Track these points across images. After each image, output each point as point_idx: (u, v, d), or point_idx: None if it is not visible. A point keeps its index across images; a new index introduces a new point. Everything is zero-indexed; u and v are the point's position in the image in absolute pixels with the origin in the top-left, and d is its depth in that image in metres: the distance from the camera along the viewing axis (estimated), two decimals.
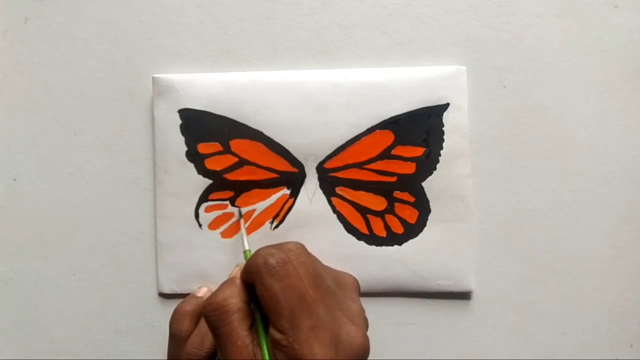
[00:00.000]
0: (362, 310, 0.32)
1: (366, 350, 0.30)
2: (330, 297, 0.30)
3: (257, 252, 0.30)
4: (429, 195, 0.39)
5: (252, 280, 0.29)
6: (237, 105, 0.40)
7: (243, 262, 0.33)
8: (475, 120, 0.40)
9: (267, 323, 0.28)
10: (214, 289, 0.39)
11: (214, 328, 0.28)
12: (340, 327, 0.29)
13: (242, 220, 0.39)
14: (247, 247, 0.35)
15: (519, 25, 0.40)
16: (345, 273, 0.34)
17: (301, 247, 0.31)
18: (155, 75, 0.40)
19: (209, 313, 0.29)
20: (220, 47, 0.41)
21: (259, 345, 0.28)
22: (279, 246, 0.31)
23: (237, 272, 0.32)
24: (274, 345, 0.27)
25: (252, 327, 0.29)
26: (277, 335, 0.27)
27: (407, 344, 0.40)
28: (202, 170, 0.40)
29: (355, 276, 0.38)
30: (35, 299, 0.41)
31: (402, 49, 0.41)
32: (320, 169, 0.40)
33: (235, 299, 0.29)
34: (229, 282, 0.31)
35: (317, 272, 0.30)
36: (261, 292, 0.28)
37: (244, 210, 0.40)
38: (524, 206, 0.40)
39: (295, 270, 0.28)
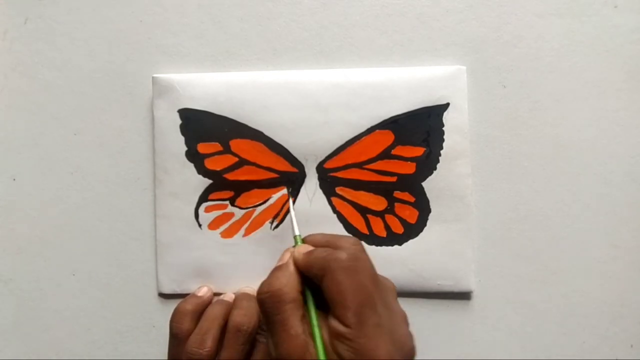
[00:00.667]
0: (405, 313, 0.32)
1: (415, 350, 0.30)
2: (385, 297, 0.30)
3: (319, 243, 0.31)
4: (429, 195, 0.39)
5: (319, 273, 0.29)
6: (237, 105, 0.40)
7: (294, 246, 0.33)
8: (475, 120, 0.40)
9: (321, 311, 0.29)
10: (214, 288, 0.39)
11: (268, 315, 0.29)
12: (395, 327, 0.29)
13: (291, 203, 0.38)
14: (297, 232, 0.34)
15: (519, 25, 0.40)
16: (386, 278, 0.34)
17: (361, 245, 0.31)
18: (155, 75, 0.40)
19: (265, 299, 0.29)
20: (220, 47, 0.41)
21: (311, 335, 0.28)
22: (337, 238, 0.31)
23: (288, 257, 0.31)
24: (336, 337, 0.27)
25: (304, 318, 0.29)
26: (341, 328, 0.27)
27: None
28: (202, 170, 0.40)
29: None
30: (35, 299, 0.41)
31: (402, 49, 0.41)
32: (320, 169, 0.40)
33: (290, 288, 0.29)
34: (282, 269, 0.31)
35: (374, 271, 0.30)
36: (330, 286, 0.28)
37: (244, 211, 0.40)
38: (524, 206, 0.40)
39: (364, 268, 0.29)
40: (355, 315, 0.27)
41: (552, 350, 0.40)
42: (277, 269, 0.31)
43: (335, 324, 0.27)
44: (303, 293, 0.30)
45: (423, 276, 0.39)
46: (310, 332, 0.28)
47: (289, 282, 0.29)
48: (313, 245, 0.32)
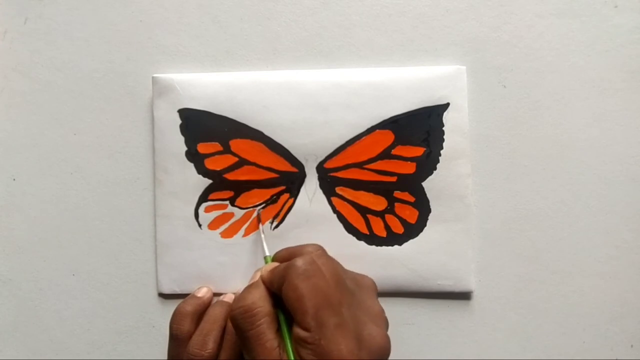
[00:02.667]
0: (382, 311, 0.32)
1: (387, 349, 0.30)
2: (350, 297, 0.30)
3: (283, 258, 0.31)
4: (429, 195, 0.39)
5: (278, 283, 0.29)
6: (237, 105, 0.40)
7: (263, 266, 0.33)
8: (475, 120, 0.40)
9: (290, 325, 0.29)
10: (214, 288, 0.39)
11: (242, 331, 0.29)
12: (362, 327, 0.29)
13: (261, 226, 0.39)
14: (267, 253, 0.35)
15: (519, 25, 0.40)
16: (363, 275, 0.34)
17: (321, 249, 0.32)
18: (155, 75, 0.40)
19: (237, 316, 0.29)
20: (220, 47, 0.41)
21: (284, 347, 0.28)
22: (299, 248, 0.32)
23: (258, 276, 0.32)
24: (299, 343, 0.27)
25: (278, 331, 0.29)
26: (302, 333, 0.27)
27: (407, 344, 0.40)
28: (202, 170, 0.40)
29: None
30: (35, 299, 0.41)
31: (402, 49, 0.41)
32: (321, 168, 0.40)
33: (263, 303, 0.29)
34: (254, 286, 0.31)
35: (338, 273, 0.30)
36: (287, 292, 0.28)
37: (244, 211, 0.40)
38: (524, 206, 0.40)
39: (319, 270, 0.29)
40: (313, 318, 0.27)
41: (552, 350, 0.40)
42: (248, 287, 0.31)
43: (297, 330, 0.28)
44: (275, 309, 0.30)
45: (423, 276, 0.39)
46: (284, 347, 0.28)
47: (262, 297, 0.30)
48: (279, 261, 0.33)
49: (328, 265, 0.30)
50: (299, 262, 0.29)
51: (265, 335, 0.28)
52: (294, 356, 0.28)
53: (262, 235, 0.37)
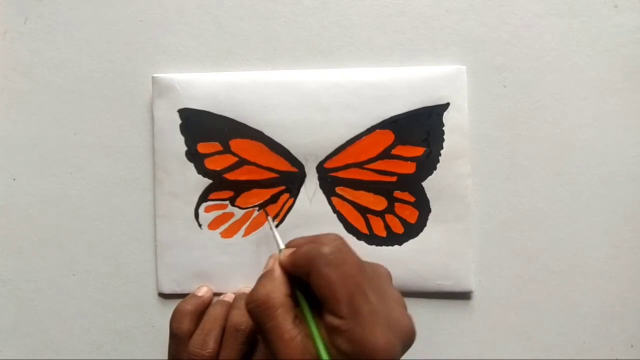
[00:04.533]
0: (401, 296, 0.32)
1: (414, 331, 0.30)
2: (375, 284, 0.30)
3: (302, 244, 0.30)
4: (429, 195, 0.39)
5: (305, 271, 0.29)
6: (237, 105, 0.40)
7: (276, 253, 0.32)
8: (475, 120, 0.40)
9: (315, 311, 0.29)
10: (214, 288, 0.39)
11: (260, 324, 0.28)
12: (390, 312, 0.29)
13: (270, 219, 0.38)
14: (282, 246, 0.34)
15: (519, 25, 0.40)
16: (378, 264, 0.34)
17: (342, 239, 0.31)
18: (155, 75, 0.40)
19: (253, 309, 0.29)
20: (220, 47, 0.41)
21: (309, 336, 0.28)
22: (319, 238, 0.31)
23: (273, 264, 0.31)
24: (333, 331, 0.27)
25: (296, 319, 0.28)
26: (336, 321, 0.27)
27: None
28: (202, 170, 0.40)
29: None
30: (35, 299, 0.41)
31: (402, 49, 0.41)
32: (321, 168, 0.40)
33: (277, 293, 0.29)
34: (267, 276, 0.30)
35: (360, 261, 0.30)
36: (317, 281, 0.28)
37: (244, 211, 0.40)
38: (524, 206, 0.40)
39: (349, 258, 0.29)
40: (347, 306, 0.27)
41: (552, 350, 0.40)
42: (262, 277, 0.31)
43: (329, 318, 0.27)
44: (293, 295, 0.30)
45: (423, 276, 0.39)
46: (306, 333, 0.28)
47: (275, 287, 0.29)
48: (296, 247, 0.32)
49: (351, 253, 0.30)
50: (327, 249, 0.28)
51: (283, 327, 0.28)
52: (323, 343, 0.27)
53: (275, 231, 0.36)
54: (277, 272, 0.30)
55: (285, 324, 0.28)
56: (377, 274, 0.32)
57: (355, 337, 0.26)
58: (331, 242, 0.30)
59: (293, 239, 0.33)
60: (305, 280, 0.29)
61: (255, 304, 0.29)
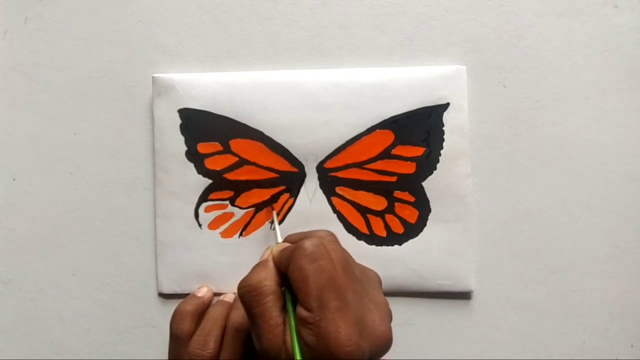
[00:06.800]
0: (387, 303, 0.32)
1: (389, 339, 0.30)
2: (357, 284, 0.30)
3: (294, 240, 0.32)
4: (429, 195, 0.39)
5: (286, 264, 0.30)
6: (237, 105, 0.40)
7: (274, 245, 0.34)
8: (475, 120, 0.40)
9: (295, 305, 0.29)
10: (214, 288, 0.39)
11: (248, 308, 0.29)
12: (366, 313, 0.30)
13: (274, 213, 0.39)
14: (280, 241, 0.35)
15: (519, 25, 0.40)
16: (369, 268, 0.35)
17: (332, 235, 0.32)
18: (155, 75, 0.40)
19: (244, 294, 0.30)
20: (220, 47, 0.41)
21: (288, 325, 0.28)
22: (310, 233, 0.32)
23: (268, 254, 0.32)
24: (301, 323, 0.28)
25: (284, 309, 0.29)
26: (304, 313, 0.28)
27: (407, 344, 0.40)
28: (202, 170, 0.40)
29: None
30: (35, 299, 0.41)
31: (402, 49, 0.41)
32: (321, 168, 0.40)
33: (269, 282, 0.30)
34: (262, 264, 0.31)
35: (346, 259, 0.31)
36: (293, 272, 0.29)
37: (244, 211, 0.40)
38: (524, 206, 0.40)
39: (327, 253, 0.29)
40: (316, 299, 0.27)
41: (552, 350, 0.40)
42: (257, 265, 0.32)
43: (299, 310, 0.28)
44: (281, 288, 0.30)
45: (423, 276, 0.39)
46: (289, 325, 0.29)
47: (268, 276, 0.30)
48: (290, 243, 0.33)
49: (337, 250, 0.30)
50: (307, 243, 0.29)
51: (270, 313, 0.28)
52: (296, 333, 0.28)
53: (277, 226, 0.37)
54: (270, 263, 0.31)
55: (273, 310, 0.29)
56: (366, 276, 0.33)
57: (319, 331, 0.27)
58: (317, 236, 0.30)
59: (290, 234, 0.34)
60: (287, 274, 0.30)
61: (247, 289, 0.29)
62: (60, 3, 0.42)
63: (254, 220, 0.40)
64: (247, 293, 0.29)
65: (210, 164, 0.40)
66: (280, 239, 0.36)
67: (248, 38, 0.41)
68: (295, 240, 0.33)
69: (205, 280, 0.40)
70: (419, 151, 0.39)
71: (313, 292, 0.28)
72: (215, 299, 0.39)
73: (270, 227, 0.40)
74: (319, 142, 0.39)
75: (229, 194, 0.40)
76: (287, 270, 0.29)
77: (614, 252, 0.40)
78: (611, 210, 0.40)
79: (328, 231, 0.32)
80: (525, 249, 0.40)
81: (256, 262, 0.39)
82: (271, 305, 0.29)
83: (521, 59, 0.40)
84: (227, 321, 0.36)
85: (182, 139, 0.40)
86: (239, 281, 0.39)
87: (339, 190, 0.40)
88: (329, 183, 0.40)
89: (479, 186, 0.40)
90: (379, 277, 0.34)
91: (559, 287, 0.40)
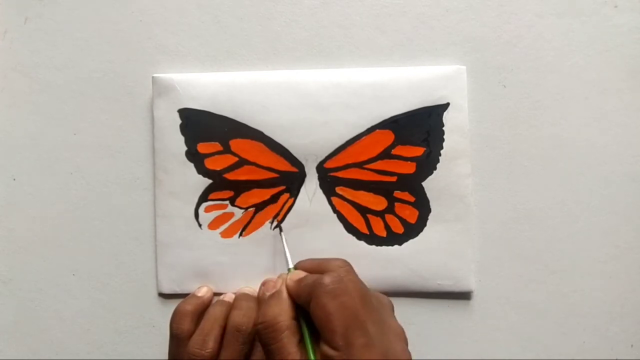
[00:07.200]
0: (403, 330, 0.33)
1: None
2: (376, 314, 0.31)
3: (308, 268, 0.32)
4: (429, 195, 0.39)
5: (306, 299, 0.30)
6: (237, 105, 0.40)
7: (285, 273, 0.34)
8: (475, 120, 0.40)
9: (314, 337, 0.29)
10: (214, 288, 0.39)
11: (265, 345, 0.30)
12: (388, 345, 0.30)
13: (283, 237, 0.38)
14: (290, 266, 0.35)
15: (519, 25, 0.40)
16: (381, 294, 0.35)
17: (348, 265, 0.32)
18: (155, 75, 0.40)
19: (261, 331, 0.30)
20: (220, 47, 0.41)
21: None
22: (325, 262, 0.32)
23: (281, 285, 0.32)
24: None
25: (301, 343, 0.30)
26: (330, 352, 0.28)
27: None
28: (202, 170, 0.40)
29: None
30: (35, 299, 0.41)
31: (402, 49, 0.41)
32: (321, 168, 0.40)
33: (284, 317, 0.30)
34: (275, 297, 0.31)
35: (363, 290, 0.31)
36: (315, 310, 0.29)
37: (244, 211, 0.40)
38: (524, 206, 0.40)
39: (347, 288, 0.29)
40: (342, 337, 0.27)
41: (552, 350, 0.40)
42: (270, 297, 0.32)
43: (325, 348, 0.28)
44: (298, 319, 0.31)
45: (423, 276, 0.39)
46: (307, 358, 0.29)
47: (283, 310, 0.30)
48: (304, 271, 0.33)
49: (355, 282, 0.30)
50: (327, 279, 0.29)
51: (287, 349, 0.29)
52: None
53: (286, 247, 0.37)
54: (284, 294, 0.32)
55: (290, 346, 0.29)
56: (381, 305, 0.33)
57: None
58: (336, 269, 0.31)
59: (302, 260, 0.34)
60: (307, 309, 0.30)
61: (263, 326, 0.30)
62: (60, 3, 0.42)
63: (254, 220, 0.40)
64: (264, 330, 0.30)
65: (210, 164, 0.40)
66: (291, 264, 0.35)
67: (248, 38, 0.41)
68: (309, 269, 0.33)
69: (205, 280, 0.40)
70: (419, 151, 0.39)
71: (338, 330, 0.28)
72: (215, 299, 0.39)
73: (271, 226, 0.40)
74: (319, 142, 0.39)
75: (229, 194, 0.40)
76: (307, 305, 0.30)
77: (614, 252, 0.40)
78: (611, 210, 0.40)
79: (343, 261, 0.32)
80: (525, 249, 0.40)
81: (256, 262, 0.40)
82: (287, 342, 0.29)
83: (521, 59, 0.40)
84: (228, 321, 0.36)
85: (182, 139, 0.40)
86: (239, 281, 0.40)
87: (339, 190, 0.40)
88: (329, 183, 0.40)
89: (479, 186, 0.40)
90: (391, 303, 0.35)
91: (559, 287, 0.40)
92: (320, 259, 0.33)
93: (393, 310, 0.34)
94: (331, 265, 0.31)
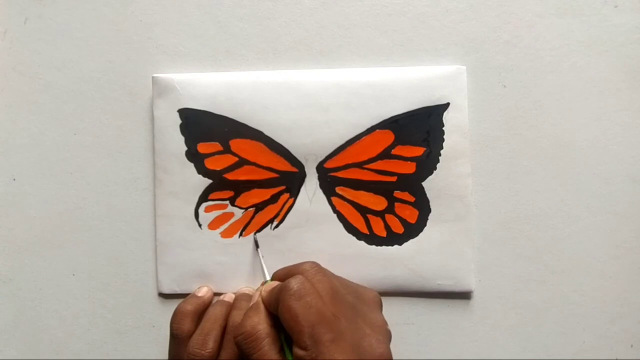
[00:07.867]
0: (385, 323, 0.33)
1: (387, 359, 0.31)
2: (350, 310, 0.31)
3: (281, 277, 0.33)
4: (429, 195, 0.39)
5: (275, 305, 0.30)
6: (237, 105, 0.40)
7: (263, 286, 0.34)
8: (475, 120, 0.40)
9: (292, 344, 0.30)
10: (214, 288, 0.39)
11: (247, 355, 0.30)
12: (362, 338, 0.30)
13: (260, 251, 0.39)
14: (267, 278, 0.36)
15: (519, 25, 0.40)
16: (367, 288, 0.36)
17: (317, 266, 0.32)
18: (155, 75, 0.40)
19: (240, 341, 0.30)
20: (220, 47, 0.41)
21: None
22: (296, 267, 0.33)
23: (258, 296, 0.33)
24: None
25: (282, 351, 0.30)
26: (300, 352, 0.28)
27: (407, 344, 0.40)
28: (202, 170, 0.40)
29: (355, 276, 0.38)
30: (35, 299, 0.41)
31: (402, 49, 0.41)
32: (321, 168, 0.40)
33: (262, 325, 0.30)
34: (253, 308, 0.32)
35: (334, 288, 0.31)
36: (283, 314, 0.29)
37: (244, 211, 0.40)
38: (524, 206, 0.40)
39: (312, 288, 0.30)
40: (309, 336, 0.28)
41: (552, 350, 0.40)
42: (249, 310, 0.32)
43: (295, 349, 0.28)
44: (277, 328, 0.31)
45: (423, 276, 0.39)
46: None
47: (261, 319, 0.31)
48: (278, 280, 0.33)
49: (323, 281, 0.31)
50: (291, 282, 0.30)
51: (269, 357, 0.29)
52: None
53: (262, 260, 0.38)
54: (262, 305, 0.32)
55: (271, 353, 0.29)
56: (362, 299, 0.33)
57: None
58: (303, 272, 0.31)
59: (277, 270, 0.35)
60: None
61: (243, 336, 0.30)
62: (60, 3, 0.42)
63: (254, 220, 0.40)
64: (243, 340, 0.30)
65: (210, 164, 0.40)
66: (267, 276, 0.36)
67: (248, 38, 0.41)
68: (282, 277, 0.34)
69: (205, 280, 0.40)
70: (419, 151, 0.39)
71: (305, 330, 0.28)
72: (215, 299, 0.39)
73: (271, 226, 0.40)
74: (319, 142, 0.39)
75: (229, 194, 0.40)
76: (277, 311, 0.30)
77: (614, 252, 0.40)
78: (611, 210, 0.40)
79: (313, 262, 0.33)
80: (525, 249, 0.40)
81: (256, 262, 0.40)
82: (268, 349, 0.29)
83: (521, 59, 0.40)
84: (228, 321, 0.36)
85: (182, 139, 0.40)
86: (239, 281, 0.40)
87: (339, 190, 0.40)
88: (329, 183, 0.40)
89: (479, 186, 0.40)
90: (378, 297, 0.35)
91: (559, 287, 0.40)
92: (292, 266, 0.34)
93: (380, 305, 0.34)
94: (299, 268, 0.32)
